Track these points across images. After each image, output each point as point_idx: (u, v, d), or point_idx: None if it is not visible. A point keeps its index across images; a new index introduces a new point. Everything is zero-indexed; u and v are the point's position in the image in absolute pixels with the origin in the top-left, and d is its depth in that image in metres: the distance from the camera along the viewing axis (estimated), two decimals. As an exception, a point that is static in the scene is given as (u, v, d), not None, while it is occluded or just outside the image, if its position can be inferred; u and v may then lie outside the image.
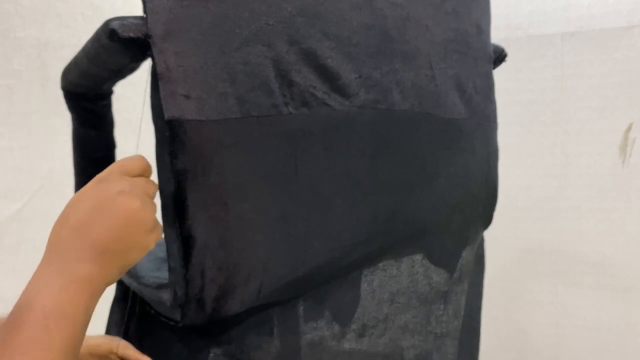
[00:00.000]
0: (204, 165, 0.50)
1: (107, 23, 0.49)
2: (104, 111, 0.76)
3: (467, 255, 0.86)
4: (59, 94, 0.75)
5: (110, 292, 0.77)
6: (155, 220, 0.46)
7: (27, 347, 0.38)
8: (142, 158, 0.49)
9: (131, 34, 0.48)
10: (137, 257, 0.46)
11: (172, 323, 0.56)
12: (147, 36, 0.48)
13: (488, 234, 0.96)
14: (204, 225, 0.51)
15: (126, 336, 0.70)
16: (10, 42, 1.30)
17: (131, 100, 0.93)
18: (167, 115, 0.48)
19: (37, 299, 0.40)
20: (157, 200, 0.49)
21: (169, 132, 0.48)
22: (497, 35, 0.93)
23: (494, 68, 0.92)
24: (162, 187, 0.52)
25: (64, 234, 0.43)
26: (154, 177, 0.54)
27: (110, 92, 0.75)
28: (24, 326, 0.39)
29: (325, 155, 0.59)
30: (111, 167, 0.47)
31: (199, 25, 0.50)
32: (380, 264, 0.70)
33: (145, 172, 0.49)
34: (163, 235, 0.54)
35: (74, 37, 1.41)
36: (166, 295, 0.56)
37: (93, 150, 0.76)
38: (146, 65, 0.53)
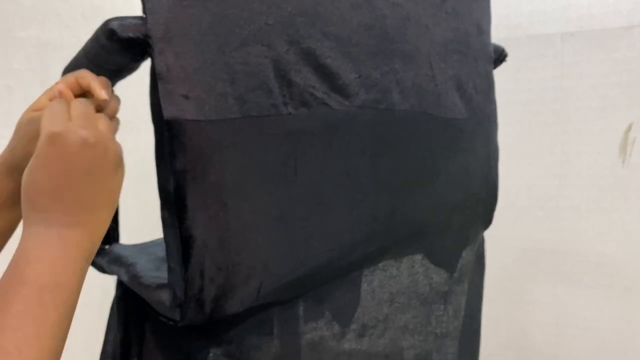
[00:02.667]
0: (204, 165, 0.50)
1: (107, 23, 0.49)
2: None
3: (467, 255, 0.86)
4: (59, 94, 0.75)
5: (110, 292, 0.77)
6: (119, 153, 0.45)
7: (19, 322, 0.37)
8: (67, 78, 0.47)
9: (130, 34, 0.48)
10: (116, 201, 0.45)
11: (171, 323, 0.56)
12: (147, 36, 0.48)
13: (488, 234, 0.96)
14: (203, 225, 0.51)
15: (126, 336, 0.70)
16: (10, 42, 1.30)
17: (131, 100, 0.93)
18: (167, 115, 0.48)
19: (28, 271, 0.38)
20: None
21: (168, 132, 0.48)
22: (497, 35, 0.93)
23: (494, 68, 0.92)
24: (161, 187, 0.52)
25: (43, 203, 0.41)
26: (148, 165, 0.53)
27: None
28: (16, 300, 0.37)
29: (324, 155, 0.59)
30: (51, 112, 0.43)
31: (198, 25, 0.50)
32: (380, 264, 0.70)
33: (87, 86, 0.47)
34: (163, 235, 0.54)
35: (74, 37, 1.41)
36: (165, 296, 0.56)
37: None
38: (146, 65, 0.53)
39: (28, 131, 0.53)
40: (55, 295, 0.38)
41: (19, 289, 0.38)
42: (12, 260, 0.40)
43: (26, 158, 0.54)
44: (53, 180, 0.41)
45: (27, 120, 0.54)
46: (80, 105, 0.45)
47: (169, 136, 0.49)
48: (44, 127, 0.42)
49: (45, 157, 0.41)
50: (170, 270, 0.54)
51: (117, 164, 0.44)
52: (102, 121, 0.45)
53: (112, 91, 0.51)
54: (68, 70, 0.69)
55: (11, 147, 0.55)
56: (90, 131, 0.42)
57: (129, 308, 0.71)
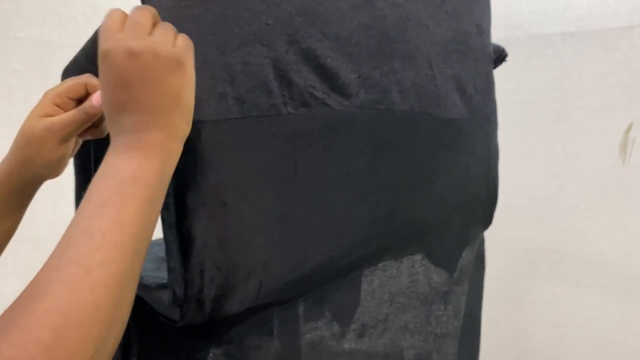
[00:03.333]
0: (203, 166, 0.50)
1: (106, 23, 0.49)
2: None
3: (467, 255, 0.86)
4: (59, 94, 0.75)
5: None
6: (177, 51, 0.45)
7: (101, 210, 0.40)
8: (140, 9, 0.46)
9: (130, 34, 0.48)
10: (191, 96, 0.46)
11: (171, 323, 0.56)
12: (146, 36, 0.48)
13: (488, 234, 0.96)
14: (202, 225, 0.51)
15: (127, 337, 0.70)
16: (10, 42, 1.30)
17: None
18: (166, 115, 0.48)
19: (109, 169, 0.42)
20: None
21: (168, 133, 0.48)
22: (497, 35, 0.93)
23: (494, 68, 0.92)
24: None
25: (114, 116, 0.44)
26: None
27: (111, 92, 0.75)
28: (99, 191, 0.41)
29: (324, 155, 0.59)
30: (103, 30, 0.44)
31: (197, 25, 0.50)
32: (380, 264, 0.70)
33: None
34: (162, 235, 0.54)
35: (74, 37, 1.41)
36: (165, 295, 0.56)
37: (94, 149, 0.76)
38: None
39: (48, 138, 0.55)
40: (133, 188, 0.41)
41: (101, 183, 0.41)
42: (99, 169, 0.43)
43: (50, 166, 0.56)
44: (114, 96, 0.44)
45: (44, 127, 0.55)
46: (132, 16, 0.45)
47: (168, 136, 0.49)
48: (99, 45, 0.44)
49: (103, 75, 0.44)
50: (170, 270, 0.54)
51: (171, 66, 0.44)
52: (158, 28, 0.46)
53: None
54: (68, 70, 0.69)
55: (24, 159, 0.56)
56: (136, 41, 0.43)
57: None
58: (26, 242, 1.30)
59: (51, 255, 0.38)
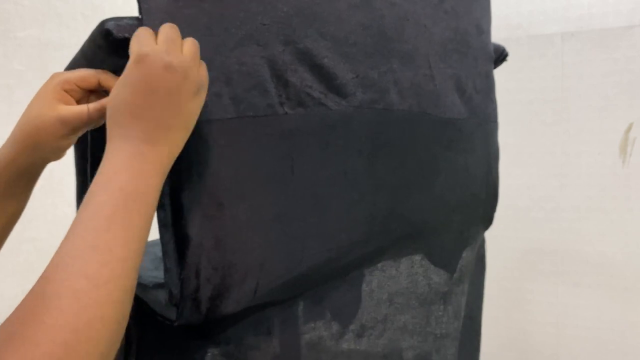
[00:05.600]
0: (199, 166, 0.50)
1: (103, 23, 0.49)
2: (104, 111, 0.76)
3: (467, 255, 0.85)
4: (59, 94, 0.75)
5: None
6: (201, 79, 0.47)
7: (109, 224, 0.40)
8: (171, 26, 0.47)
9: (126, 35, 0.48)
10: (192, 124, 0.47)
11: (168, 322, 0.56)
12: (143, 37, 0.48)
13: (488, 234, 0.96)
14: (199, 225, 0.51)
15: (126, 336, 0.70)
16: (10, 42, 1.30)
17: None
18: (162, 115, 0.48)
19: (115, 180, 0.42)
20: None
21: (164, 133, 0.48)
22: (497, 35, 0.93)
23: (495, 67, 0.92)
24: None
25: (124, 119, 0.44)
26: None
27: (111, 92, 0.75)
28: (106, 205, 0.40)
29: (321, 155, 0.59)
30: (139, 37, 0.45)
31: (194, 25, 0.50)
32: (379, 265, 0.70)
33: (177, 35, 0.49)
34: (159, 235, 0.54)
35: (74, 37, 1.41)
36: (162, 295, 0.56)
37: (94, 149, 0.76)
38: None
39: (60, 128, 0.53)
40: (138, 205, 0.42)
41: (108, 196, 0.41)
42: (98, 172, 0.43)
43: (58, 152, 0.56)
44: (135, 99, 0.44)
45: (58, 118, 0.53)
46: (166, 32, 0.46)
47: (164, 136, 0.49)
48: (132, 49, 0.45)
49: (131, 76, 0.44)
50: (166, 269, 0.54)
51: (196, 90, 0.46)
52: (187, 46, 0.47)
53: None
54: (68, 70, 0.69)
55: (32, 145, 0.54)
56: (174, 56, 0.44)
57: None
58: (26, 242, 1.30)
59: (56, 262, 0.38)
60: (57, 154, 0.58)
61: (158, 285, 0.59)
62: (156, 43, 0.45)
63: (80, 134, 0.56)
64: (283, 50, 0.55)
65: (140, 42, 0.45)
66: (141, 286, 0.62)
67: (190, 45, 0.47)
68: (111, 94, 0.46)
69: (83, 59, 0.57)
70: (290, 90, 0.56)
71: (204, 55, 0.50)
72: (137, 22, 0.48)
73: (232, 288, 0.53)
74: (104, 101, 0.52)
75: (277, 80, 0.55)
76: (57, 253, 0.39)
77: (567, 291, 1.73)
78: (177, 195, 0.50)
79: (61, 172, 1.23)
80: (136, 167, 0.43)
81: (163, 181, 0.45)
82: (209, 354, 0.57)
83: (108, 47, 0.50)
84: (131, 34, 0.47)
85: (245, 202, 0.53)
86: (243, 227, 0.53)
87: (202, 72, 0.47)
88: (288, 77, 0.55)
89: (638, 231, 1.62)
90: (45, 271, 0.38)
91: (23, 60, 1.32)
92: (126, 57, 0.46)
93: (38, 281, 0.37)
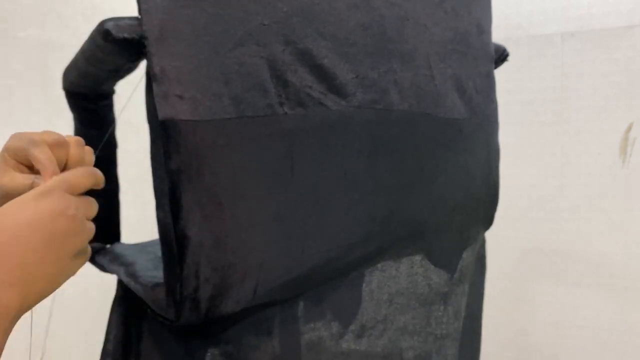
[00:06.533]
0: (198, 165, 0.50)
1: (102, 24, 0.49)
2: (105, 111, 0.76)
3: (467, 256, 0.85)
4: (59, 94, 0.75)
5: (109, 292, 0.77)
6: (86, 246, 0.44)
7: None
8: (92, 174, 0.45)
9: (125, 35, 0.48)
10: (60, 283, 0.42)
11: (167, 322, 0.56)
12: (142, 37, 0.48)
13: (488, 234, 0.96)
14: (198, 225, 0.51)
15: (126, 336, 0.71)
16: (10, 42, 1.30)
17: (131, 100, 0.93)
18: (161, 115, 0.48)
19: None
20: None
21: (163, 133, 0.49)
22: (498, 35, 0.93)
23: (495, 67, 0.91)
24: (156, 187, 0.52)
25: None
26: (148, 165, 0.52)
27: (112, 92, 0.76)
28: None
29: (321, 155, 0.59)
30: (56, 182, 0.42)
31: (193, 25, 0.50)
32: (379, 265, 0.70)
33: (95, 186, 0.45)
34: (159, 235, 0.54)
35: (74, 37, 1.41)
36: (161, 295, 0.56)
37: (94, 149, 0.76)
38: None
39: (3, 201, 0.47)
40: None
41: None
42: None
43: None
44: (13, 229, 0.39)
45: (3, 194, 0.48)
46: (85, 203, 0.44)
47: (163, 136, 0.49)
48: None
49: (19, 202, 0.40)
50: (165, 269, 0.54)
51: (82, 250, 0.43)
52: (86, 203, 0.43)
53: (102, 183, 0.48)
54: (68, 71, 0.69)
55: None
56: (73, 203, 0.41)
57: (129, 307, 0.71)
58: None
59: None
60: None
61: (157, 285, 0.59)
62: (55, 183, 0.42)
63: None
64: (283, 50, 0.55)
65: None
66: (140, 285, 0.62)
67: (88, 203, 0.44)
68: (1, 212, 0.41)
69: (83, 59, 0.57)
70: (290, 90, 0.56)
71: (203, 56, 0.50)
72: (137, 22, 0.49)
73: (232, 288, 0.53)
74: (35, 183, 0.46)
75: (276, 80, 0.55)
76: None
77: (567, 291, 1.73)
78: (176, 195, 0.50)
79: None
80: None
81: (11, 328, 0.39)
82: (209, 354, 0.57)
83: (107, 47, 0.50)
84: (130, 34, 0.47)
85: (245, 202, 0.53)
86: (242, 227, 0.53)
87: (89, 234, 0.44)
88: (288, 77, 0.55)
89: (638, 231, 1.62)
90: None
91: (23, 60, 1.32)
92: (125, 57, 0.46)
93: None
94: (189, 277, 0.51)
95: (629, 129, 1.61)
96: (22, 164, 0.47)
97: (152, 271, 0.65)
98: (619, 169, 1.62)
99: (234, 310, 0.55)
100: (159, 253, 0.70)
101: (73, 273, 0.43)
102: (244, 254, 0.53)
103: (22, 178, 0.46)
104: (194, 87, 0.49)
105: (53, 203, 0.40)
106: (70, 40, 1.40)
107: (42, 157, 0.44)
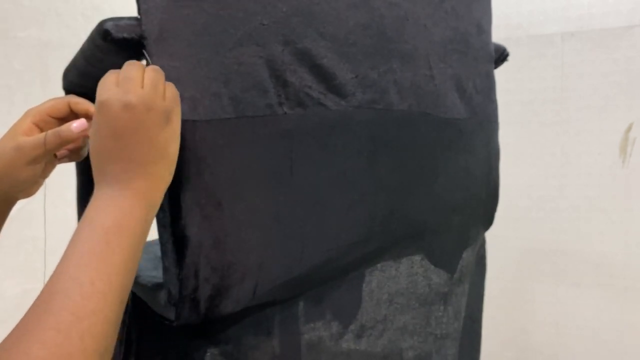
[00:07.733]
0: (198, 165, 0.50)
1: (102, 24, 0.49)
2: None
3: (467, 256, 0.85)
4: (59, 94, 0.75)
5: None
6: (167, 106, 0.47)
7: (90, 259, 0.41)
8: (134, 63, 0.48)
9: (125, 35, 0.48)
10: (176, 149, 0.48)
11: (167, 322, 0.56)
12: (141, 37, 0.48)
13: (488, 234, 0.96)
14: (197, 225, 0.51)
15: (127, 336, 0.70)
16: (10, 42, 1.30)
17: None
18: (161, 115, 0.48)
19: (95, 218, 0.43)
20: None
21: (163, 132, 0.48)
22: (498, 35, 0.93)
23: (496, 67, 0.91)
24: None
25: (101, 165, 0.46)
26: None
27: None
28: (85, 241, 0.42)
29: (321, 155, 0.59)
30: (101, 82, 0.46)
31: (192, 25, 0.50)
32: (379, 265, 0.70)
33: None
34: (158, 235, 0.54)
35: (74, 37, 1.41)
36: (161, 295, 0.56)
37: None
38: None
39: (17, 157, 0.54)
40: (119, 237, 0.43)
41: (88, 231, 0.43)
42: (83, 215, 0.44)
43: (18, 186, 0.55)
44: (106, 144, 0.45)
45: (14, 146, 0.54)
46: (126, 70, 0.47)
47: (163, 136, 0.49)
48: (96, 97, 0.46)
49: (97, 124, 0.46)
50: (165, 269, 0.54)
51: (164, 118, 0.46)
52: (145, 78, 0.47)
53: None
54: (67, 72, 0.69)
55: None
56: (132, 95, 0.45)
57: (129, 307, 0.71)
58: (26, 242, 1.30)
59: (41, 297, 0.39)
60: (21, 189, 0.58)
61: (157, 285, 0.59)
62: (116, 85, 0.46)
63: (41, 162, 0.56)
64: (282, 50, 0.55)
65: (101, 88, 0.46)
66: (141, 286, 0.62)
67: (149, 73, 0.47)
68: (89, 142, 0.47)
69: (83, 59, 0.57)
70: (290, 90, 0.56)
71: (202, 55, 0.50)
72: (136, 22, 0.49)
73: (231, 288, 0.53)
74: (62, 128, 0.53)
75: (276, 80, 0.55)
76: (45, 286, 0.40)
77: (567, 291, 1.73)
78: (176, 195, 0.50)
79: (61, 172, 1.23)
80: (117, 203, 0.44)
81: (152, 213, 0.46)
82: (209, 354, 0.57)
83: (107, 48, 0.50)
84: (130, 34, 0.47)
85: (244, 202, 0.53)
86: (242, 227, 0.53)
87: (168, 96, 0.47)
88: (287, 77, 0.55)
89: (638, 231, 1.62)
90: (32, 304, 0.39)
91: (23, 60, 1.32)
92: (125, 56, 0.46)
93: (26, 313, 0.38)
94: (188, 277, 0.51)
95: (629, 129, 1.61)
96: (45, 128, 0.55)
97: (152, 271, 0.65)
98: (619, 169, 1.63)
99: (233, 310, 0.55)
100: (159, 253, 0.70)
101: (171, 138, 0.47)
102: (243, 254, 0.53)
103: (36, 136, 0.54)
104: (194, 87, 0.49)
105: (111, 107, 0.45)
106: (70, 40, 1.40)
107: (83, 101, 0.55)
